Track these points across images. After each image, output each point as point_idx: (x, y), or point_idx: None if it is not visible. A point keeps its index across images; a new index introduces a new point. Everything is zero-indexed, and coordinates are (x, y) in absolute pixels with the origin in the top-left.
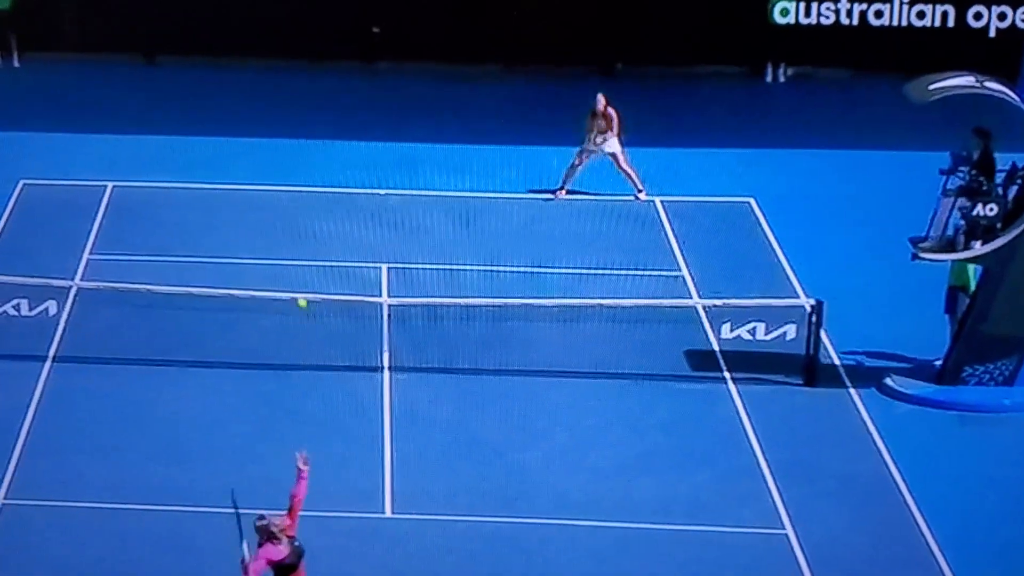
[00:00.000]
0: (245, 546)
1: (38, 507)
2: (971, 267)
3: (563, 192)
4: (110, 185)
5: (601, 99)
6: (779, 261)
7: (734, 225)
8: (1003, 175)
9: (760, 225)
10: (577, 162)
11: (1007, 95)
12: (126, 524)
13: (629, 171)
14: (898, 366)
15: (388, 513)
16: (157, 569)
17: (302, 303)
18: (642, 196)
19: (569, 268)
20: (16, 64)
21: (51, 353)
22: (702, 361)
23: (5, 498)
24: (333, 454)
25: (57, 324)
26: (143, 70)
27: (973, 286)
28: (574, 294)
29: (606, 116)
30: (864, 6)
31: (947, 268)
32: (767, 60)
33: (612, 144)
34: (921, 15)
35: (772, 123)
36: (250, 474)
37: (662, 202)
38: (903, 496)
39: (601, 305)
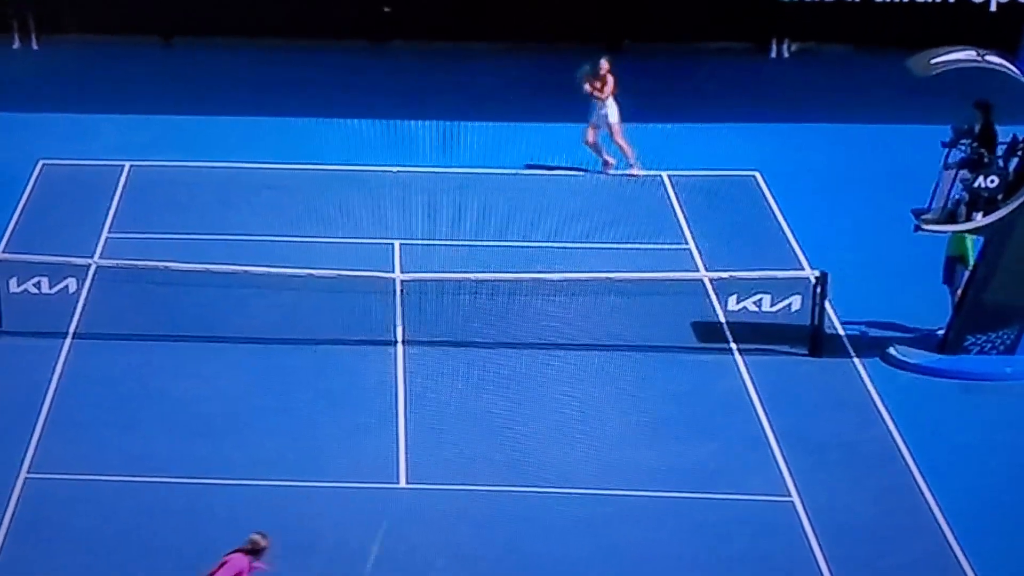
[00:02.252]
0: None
1: (61, 481)
2: (969, 238)
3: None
4: (127, 165)
5: (604, 63)
6: (784, 233)
7: (740, 198)
8: (1004, 147)
9: (765, 198)
10: (591, 139)
11: (1008, 68)
12: (147, 496)
13: (623, 144)
14: (901, 336)
15: (402, 483)
16: (178, 540)
17: None
18: (610, 170)
19: (577, 242)
20: (35, 46)
21: (71, 330)
22: (709, 333)
23: (28, 472)
24: (348, 426)
25: (77, 301)
26: (159, 51)
27: (971, 257)
28: (582, 268)
29: (605, 80)
30: None
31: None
32: (772, 36)
33: (612, 113)
34: None
35: (777, 98)
36: (268, 447)
37: (668, 176)
38: (907, 463)
39: (609, 279)
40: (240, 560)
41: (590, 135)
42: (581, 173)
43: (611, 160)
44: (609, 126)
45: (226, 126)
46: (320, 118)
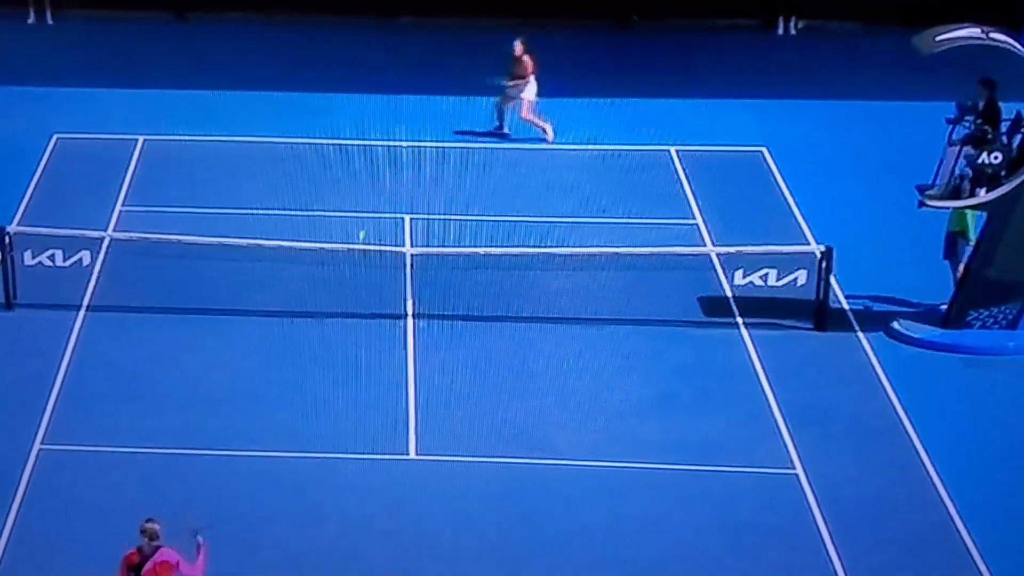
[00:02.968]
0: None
1: (73, 452)
2: (970, 214)
3: (551, 136)
4: (141, 139)
5: (518, 45)
6: (790, 209)
7: (747, 174)
8: (1008, 124)
9: (772, 174)
10: (503, 105)
11: (1012, 46)
12: (159, 468)
13: (533, 119)
14: (905, 310)
15: (412, 455)
16: (189, 511)
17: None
18: (549, 136)
19: (586, 217)
20: (50, 21)
21: (85, 302)
22: (715, 307)
23: (42, 443)
24: (358, 399)
25: (91, 274)
26: (172, 26)
27: (972, 232)
28: (591, 242)
29: (521, 62)
30: None
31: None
32: (779, 13)
33: (528, 90)
34: None
35: (784, 74)
36: (278, 420)
37: (677, 151)
38: (909, 436)
39: (617, 253)
40: (171, 553)
41: (507, 103)
42: (590, 148)
43: (507, 131)
44: (522, 100)
45: (238, 101)
46: (331, 93)
